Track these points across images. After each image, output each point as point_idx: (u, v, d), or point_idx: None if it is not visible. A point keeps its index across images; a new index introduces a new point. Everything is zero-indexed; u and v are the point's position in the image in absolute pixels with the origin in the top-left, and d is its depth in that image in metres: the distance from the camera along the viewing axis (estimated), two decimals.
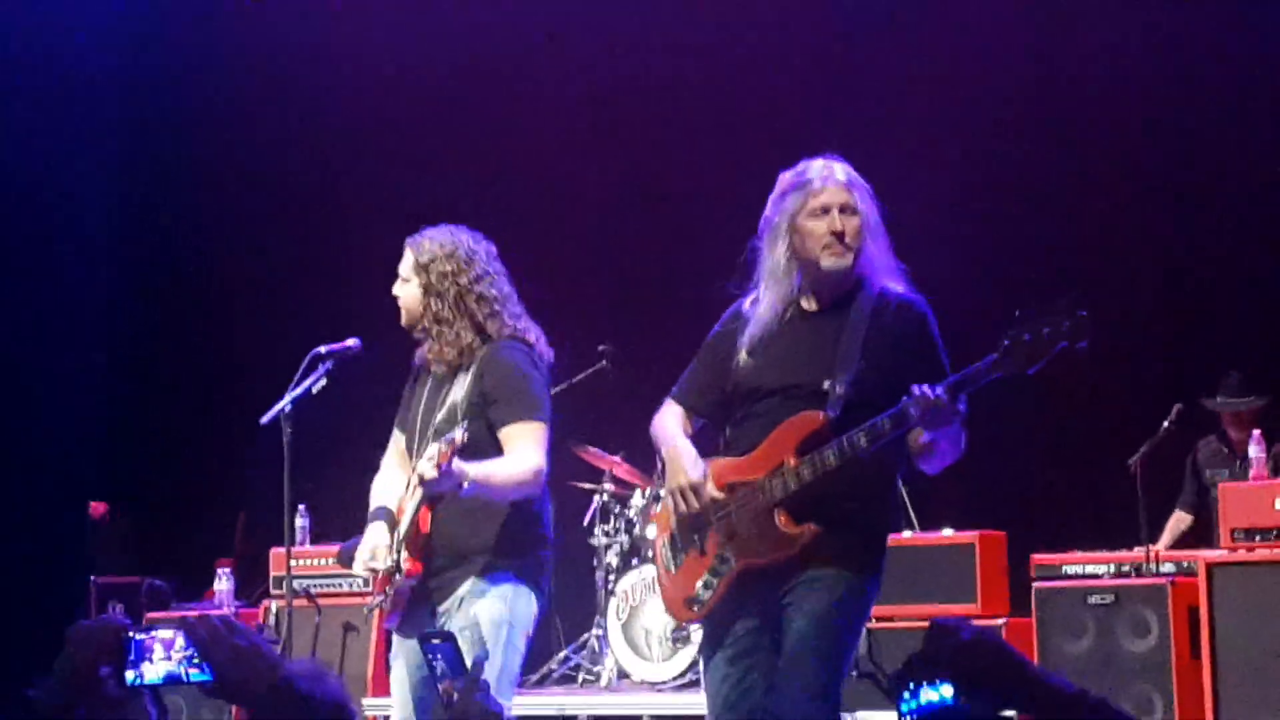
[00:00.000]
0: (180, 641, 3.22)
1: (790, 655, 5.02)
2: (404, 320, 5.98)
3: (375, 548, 5.80)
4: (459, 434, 5.44)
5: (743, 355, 5.26)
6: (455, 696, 3.71)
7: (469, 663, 3.77)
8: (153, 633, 3.24)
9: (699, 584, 5.23)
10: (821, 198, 5.16)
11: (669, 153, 11.31)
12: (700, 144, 11.18)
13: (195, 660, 3.21)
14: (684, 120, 11.33)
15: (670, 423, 5.39)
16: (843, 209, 5.15)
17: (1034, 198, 10.66)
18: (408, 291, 5.92)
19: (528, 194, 11.56)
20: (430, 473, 5.42)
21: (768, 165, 5.42)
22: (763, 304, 5.25)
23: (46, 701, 3.36)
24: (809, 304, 5.25)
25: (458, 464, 5.44)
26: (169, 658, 3.24)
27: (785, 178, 5.27)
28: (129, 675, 3.26)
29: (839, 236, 5.13)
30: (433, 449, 5.50)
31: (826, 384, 5.07)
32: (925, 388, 4.84)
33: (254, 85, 12.04)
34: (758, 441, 5.16)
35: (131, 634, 3.26)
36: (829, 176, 5.19)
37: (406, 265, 5.93)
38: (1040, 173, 10.65)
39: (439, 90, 11.87)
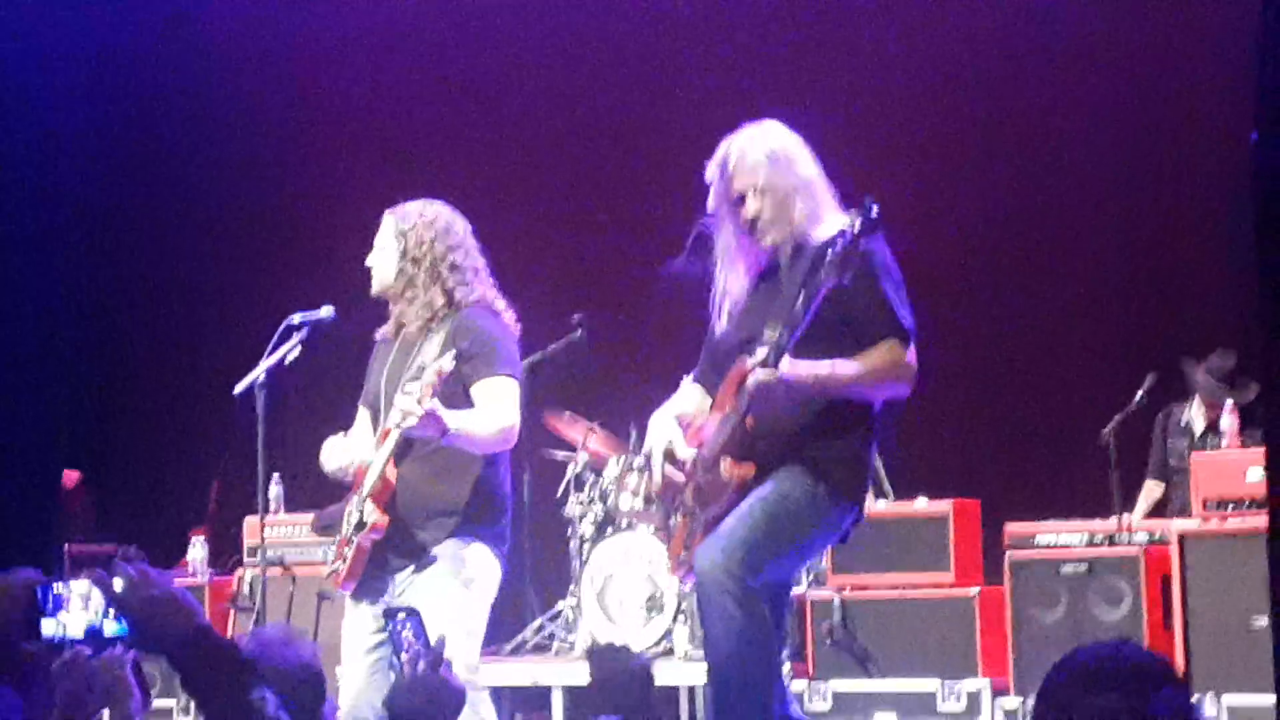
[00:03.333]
0: (96, 594, 3.20)
1: (725, 523, 5.19)
2: (375, 288, 6.00)
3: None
4: (447, 361, 5.48)
5: (722, 321, 5.46)
6: (418, 671, 3.70)
7: (433, 638, 3.77)
8: (68, 584, 3.23)
9: (684, 544, 5.37)
10: (725, 193, 5.34)
11: (645, 122, 11.28)
12: (676, 114, 11.15)
13: (111, 613, 3.20)
14: (661, 90, 11.30)
15: (669, 401, 5.52)
16: (743, 199, 5.32)
17: (1002, 159, 10.66)
18: (383, 259, 5.96)
19: (502, 164, 11.52)
20: (414, 408, 5.43)
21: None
22: (730, 274, 5.43)
23: None
24: (769, 263, 5.39)
25: (441, 409, 5.46)
26: (86, 609, 3.22)
27: (708, 172, 5.45)
28: (50, 627, 3.24)
29: (751, 226, 5.32)
30: (413, 386, 5.51)
31: (765, 333, 5.17)
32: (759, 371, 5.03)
33: (228, 53, 11.98)
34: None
35: (51, 587, 3.24)
36: (723, 170, 5.36)
37: (386, 233, 5.98)
38: (1010, 134, 10.64)
39: (412, 62, 11.82)
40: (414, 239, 5.90)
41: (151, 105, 12.20)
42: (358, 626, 5.85)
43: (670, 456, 5.37)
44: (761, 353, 5.05)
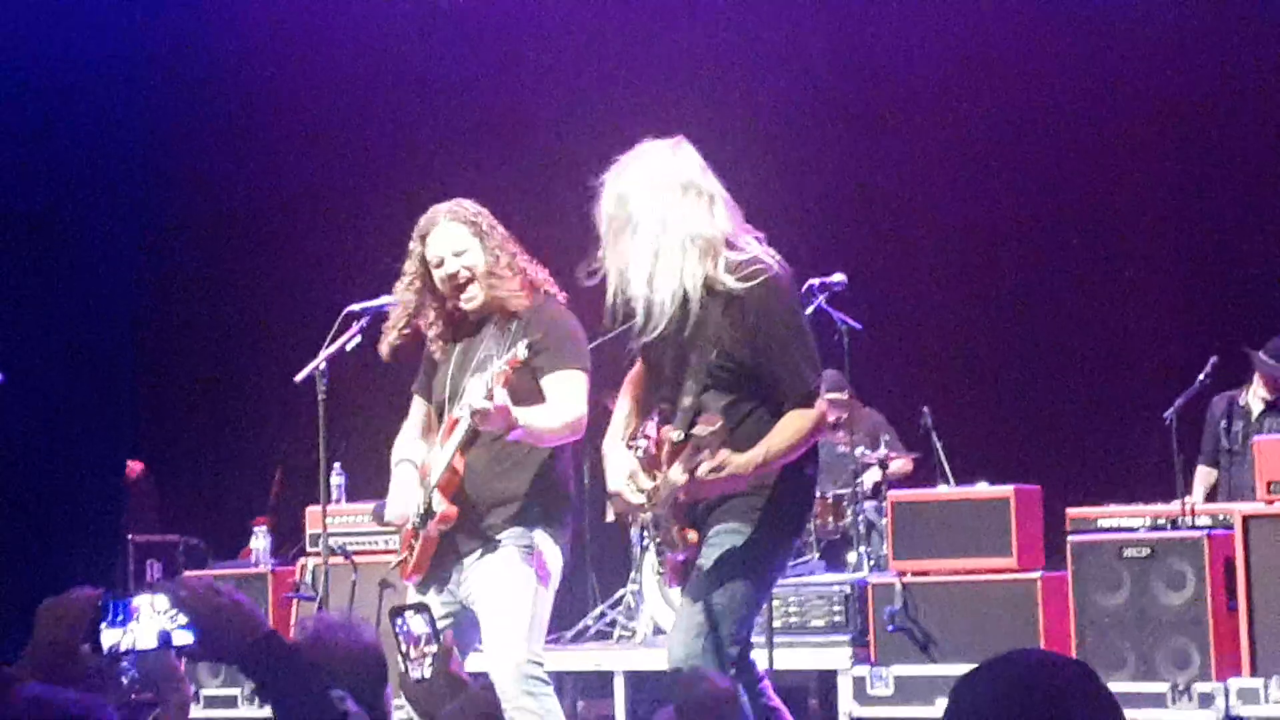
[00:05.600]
0: (163, 603, 3.26)
1: (681, 608, 5.24)
2: (473, 302, 5.93)
3: (406, 503, 5.86)
4: (522, 350, 5.50)
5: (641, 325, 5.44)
6: (426, 665, 3.73)
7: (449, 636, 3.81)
8: (135, 596, 3.29)
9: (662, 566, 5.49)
10: (610, 230, 5.33)
11: (706, 116, 11.27)
12: (739, 107, 11.14)
13: (179, 622, 3.25)
14: (720, 85, 11.29)
15: (614, 420, 5.54)
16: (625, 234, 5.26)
17: (1065, 143, 10.61)
18: (471, 259, 5.88)
19: (560, 152, 11.52)
20: (484, 404, 5.44)
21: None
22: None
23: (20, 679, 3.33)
24: None
25: (510, 405, 5.48)
26: (155, 616, 3.28)
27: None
28: (118, 638, 3.29)
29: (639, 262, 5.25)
30: (488, 374, 5.52)
31: (685, 398, 5.40)
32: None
33: (285, 40, 12.02)
34: None
35: (126, 601, 3.29)
36: (603, 209, 5.36)
37: (459, 236, 5.89)
38: (1071, 117, 10.60)
39: (472, 51, 11.85)
40: (485, 225, 5.91)
41: (211, 96, 12.24)
42: None
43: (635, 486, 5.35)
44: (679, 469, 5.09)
